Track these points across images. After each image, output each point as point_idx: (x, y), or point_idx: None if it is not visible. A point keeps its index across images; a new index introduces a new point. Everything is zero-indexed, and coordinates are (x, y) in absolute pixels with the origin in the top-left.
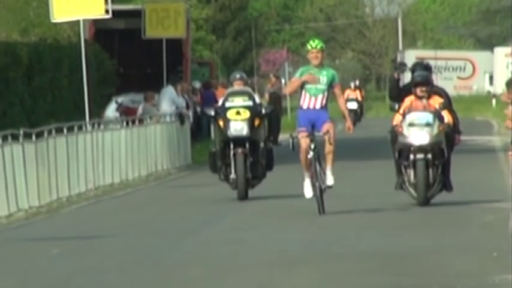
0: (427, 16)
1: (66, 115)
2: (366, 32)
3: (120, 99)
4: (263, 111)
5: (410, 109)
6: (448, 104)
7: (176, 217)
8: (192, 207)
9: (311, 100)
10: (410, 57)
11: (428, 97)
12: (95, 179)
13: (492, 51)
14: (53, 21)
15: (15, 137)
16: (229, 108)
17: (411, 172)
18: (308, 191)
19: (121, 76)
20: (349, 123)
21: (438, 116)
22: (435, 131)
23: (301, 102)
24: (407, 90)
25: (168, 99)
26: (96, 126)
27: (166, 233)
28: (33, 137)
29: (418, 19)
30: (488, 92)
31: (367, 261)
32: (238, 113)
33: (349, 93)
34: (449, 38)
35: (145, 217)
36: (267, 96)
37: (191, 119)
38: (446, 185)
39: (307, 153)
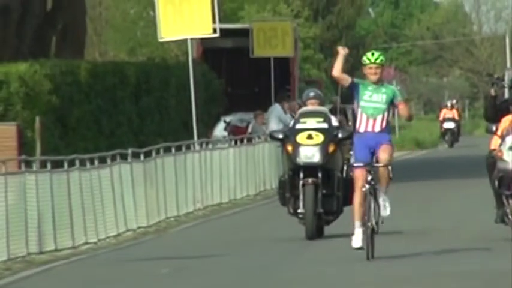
0: None
1: (174, 135)
2: (473, 50)
3: (228, 118)
4: (339, 135)
5: (510, 130)
6: None
7: (283, 236)
8: (298, 226)
9: (369, 122)
10: None
11: None
12: (203, 198)
13: None
14: (160, 40)
15: (123, 157)
16: (300, 130)
17: None
18: (357, 241)
19: (229, 95)
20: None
21: None
22: None
23: (357, 125)
24: (505, 108)
25: (275, 118)
26: (204, 145)
27: (274, 252)
28: (142, 157)
29: None
30: None
31: (476, 280)
32: (309, 136)
33: (446, 112)
34: None
35: (254, 236)
36: None
37: None
38: None
39: (362, 192)
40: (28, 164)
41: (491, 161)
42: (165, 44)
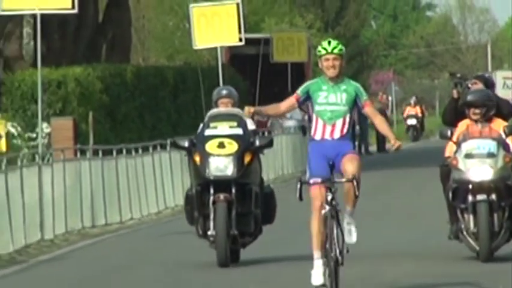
0: None
1: None
2: (460, 56)
3: None
4: (257, 142)
5: (466, 136)
6: None
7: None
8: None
9: (326, 129)
10: (498, 77)
11: (490, 120)
12: None
13: None
14: (195, 48)
15: (163, 146)
16: (210, 138)
17: (470, 218)
18: (317, 277)
19: (252, 95)
20: (393, 140)
21: (503, 144)
22: (500, 163)
23: (312, 131)
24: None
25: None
26: None
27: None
28: None
29: (505, 45)
30: None
31: None
32: (221, 145)
33: (409, 109)
34: None
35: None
36: None
37: None
38: None
39: (321, 212)
40: (82, 152)
41: (446, 170)
42: (199, 51)
